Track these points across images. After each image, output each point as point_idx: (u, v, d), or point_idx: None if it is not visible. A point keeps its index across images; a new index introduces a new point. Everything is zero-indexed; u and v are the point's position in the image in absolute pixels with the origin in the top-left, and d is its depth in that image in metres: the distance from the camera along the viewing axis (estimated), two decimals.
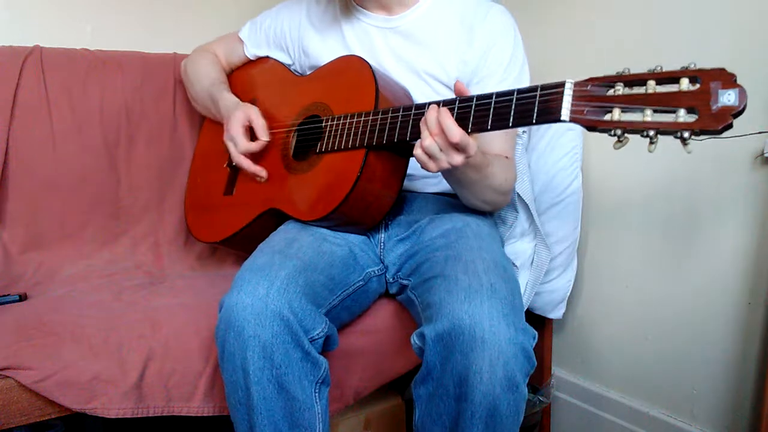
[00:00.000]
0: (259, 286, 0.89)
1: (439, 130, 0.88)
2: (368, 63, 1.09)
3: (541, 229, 1.32)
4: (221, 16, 1.73)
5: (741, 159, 1.16)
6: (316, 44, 1.25)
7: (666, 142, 1.26)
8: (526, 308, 1.33)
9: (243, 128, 1.17)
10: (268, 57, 1.37)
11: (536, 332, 0.90)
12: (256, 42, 1.38)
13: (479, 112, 0.88)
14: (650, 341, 1.36)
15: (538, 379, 1.52)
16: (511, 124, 0.85)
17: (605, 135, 0.76)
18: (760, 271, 1.16)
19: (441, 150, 0.89)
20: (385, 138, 0.99)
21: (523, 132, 1.36)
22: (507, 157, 1.12)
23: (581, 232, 1.41)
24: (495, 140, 1.11)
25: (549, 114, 0.80)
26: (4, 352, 0.95)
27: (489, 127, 0.87)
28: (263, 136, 1.16)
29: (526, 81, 1.16)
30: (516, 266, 1.31)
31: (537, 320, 1.47)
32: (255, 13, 1.42)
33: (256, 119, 1.17)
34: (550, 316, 1.43)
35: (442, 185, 1.20)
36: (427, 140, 0.89)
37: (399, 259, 1.12)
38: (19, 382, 0.94)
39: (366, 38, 1.19)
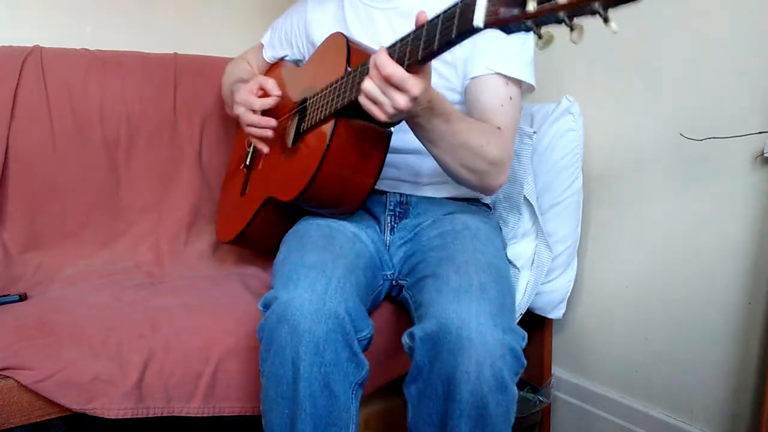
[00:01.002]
0: (317, 282, 0.88)
1: (376, 72, 0.84)
2: (344, 35, 1.09)
3: (543, 229, 1.32)
4: (221, 15, 1.73)
5: (741, 159, 1.16)
6: (320, 32, 1.25)
7: (666, 138, 1.27)
8: (526, 308, 1.33)
9: (252, 92, 1.16)
10: (283, 59, 1.40)
11: (526, 333, 0.89)
12: (272, 44, 1.41)
13: (414, 44, 0.83)
14: (650, 341, 1.36)
15: (538, 379, 1.52)
16: (436, 47, 0.79)
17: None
18: (760, 271, 1.16)
19: (382, 92, 0.84)
20: (346, 98, 0.96)
21: (534, 132, 1.36)
22: (499, 128, 1.05)
23: (581, 232, 1.41)
24: (493, 114, 1.06)
25: (466, 24, 0.74)
26: (4, 352, 0.95)
27: (420, 57, 0.81)
28: (275, 91, 1.15)
29: (529, 50, 1.10)
30: (517, 267, 1.31)
31: (537, 320, 1.47)
32: (256, 12, 1.42)
33: (265, 80, 1.16)
34: (550, 316, 1.42)
35: (450, 190, 1.19)
36: (367, 83, 0.85)
37: (400, 261, 1.13)
38: (19, 382, 0.94)
39: (369, 21, 1.19)
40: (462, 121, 0.95)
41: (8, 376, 0.94)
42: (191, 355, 1.02)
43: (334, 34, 1.14)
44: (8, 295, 1.15)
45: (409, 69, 0.82)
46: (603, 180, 1.43)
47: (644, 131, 1.32)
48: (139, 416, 0.99)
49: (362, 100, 0.87)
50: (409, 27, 1.15)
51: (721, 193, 1.21)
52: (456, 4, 0.76)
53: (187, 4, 1.69)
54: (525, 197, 1.30)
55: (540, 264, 1.33)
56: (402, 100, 0.83)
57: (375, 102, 0.86)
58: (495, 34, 1.09)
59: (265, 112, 1.16)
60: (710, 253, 1.23)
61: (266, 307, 0.92)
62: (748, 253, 1.18)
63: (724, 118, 1.16)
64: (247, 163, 1.33)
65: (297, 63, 1.37)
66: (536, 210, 1.31)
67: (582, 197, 1.39)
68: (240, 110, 1.17)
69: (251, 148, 1.34)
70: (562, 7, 0.63)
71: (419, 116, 0.90)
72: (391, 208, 1.17)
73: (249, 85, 1.18)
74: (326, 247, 0.98)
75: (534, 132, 1.35)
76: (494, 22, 0.70)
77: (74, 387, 0.95)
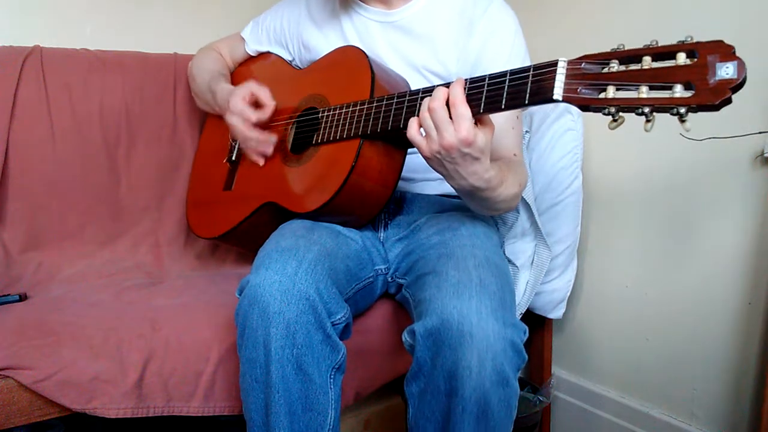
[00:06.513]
0: (287, 264, 0.89)
1: (442, 103, 0.84)
2: (365, 52, 1.09)
3: (542, 229, 1.32)
4: (221, 15, 1.73)
5: (741, 159, 1.16)
6: (316, 39, 1.25)
7: (666, 138, 1.27)
8: (526, 308, 1.33)
9: (247, 101, 1.15)
10: (269, 52, 1.38)
11: (527, 327, 0.89)
12: (257, 39, 1.39)
13: (472, 96, 0.85)
14: (650, 341, 1.36)
15: (538, 379, 1.52)
16: (503, 106, 0.82)
17: (603, 121, 0.73)
18: (760, 270, 1.16)
19: (435, 126, 0.84)
20: (379, 126, 0.98)
21: (526, 132, 1.36)
22: (515, 155, 1.09)
23: (581, 232, 1.41)
24: (504, 138, 1.08)
25: (542, 94, 0.78)
26: (4, 352, 0.95)
27: (481, 110, 0.84)
28: (270, 101, 1.14)
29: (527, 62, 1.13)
30: (516, 266, 1.31)
31: (537, 320, 1.47)
32: (255, 13, 1.42)
33: (259, 88, 1.15)
34: (550, 316, 1.42)
35: (443, 187, 1.19)
36: (425, 112, 0.85)
37: (397, 258, 1.13)
38: (19, 382, 0.94)
39: (365, 33, 1.19)
40: (503, 184, 0.95)
41: (8, 376, 0.94)
42: (191, 355, 1.02)
43: (350, 47, 1.13)
44: (8, 295, 1.15)
45: None
46: (603, 180, 1.43)
47: (644, 131, 1.32)
48: (139, 416, 0.99)
49: (412, 133, 0.88)
50: (406, 42, 1.16)
51: (722, 193, 1.21)
52: (527, 70, 0.80)
53: (187, 3, 1.69)
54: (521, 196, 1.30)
55: (539, 263, 1.33)
56: (451, 139, 0.84)
57: (427, 134, 0.86)
58: (499, 49, 1.11)
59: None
60: (710, 253, 1.24)
61: (241, 292, 0.92)
62: (747, 253, 1.18)
63: (724, 118, 1.16)
64: (233, 158, 1.30)
65: (288, 62, 1.35)
66: (533, 209, 1.31)
67: (582, 197, 1.39)
68: (233, 120, 1.15)
69: (237, 143, 1.31)
70: (647, 102, 0.69)
71: (473, 186, 0.90)
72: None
73: (241, 92, 1.15)
74: (304, 235, 0.98)
75: (527, 131, 1.35)
76: (573, 99, 0.75)
77: (74, 387, 0.96)
